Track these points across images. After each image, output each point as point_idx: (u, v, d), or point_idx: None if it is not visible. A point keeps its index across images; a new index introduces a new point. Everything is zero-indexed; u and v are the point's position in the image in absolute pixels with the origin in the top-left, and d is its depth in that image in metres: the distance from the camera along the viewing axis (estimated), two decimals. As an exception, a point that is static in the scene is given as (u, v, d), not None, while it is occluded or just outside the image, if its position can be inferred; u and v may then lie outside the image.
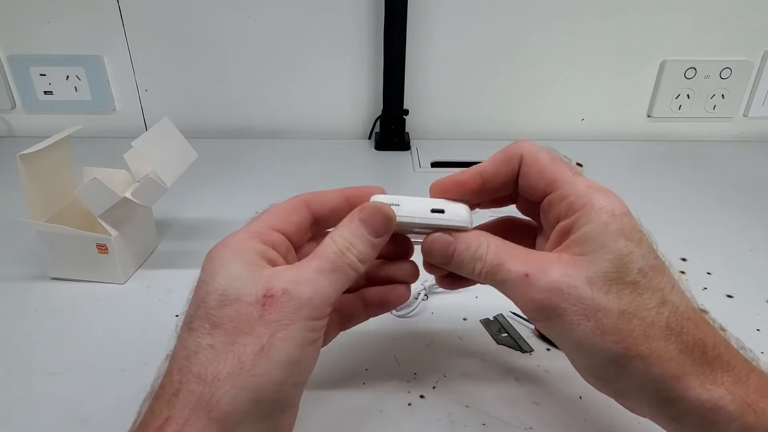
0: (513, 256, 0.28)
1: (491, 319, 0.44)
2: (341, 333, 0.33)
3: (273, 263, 0.27)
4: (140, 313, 0.45)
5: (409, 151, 0.81)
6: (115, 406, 0.35)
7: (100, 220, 0.46)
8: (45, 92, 0.81)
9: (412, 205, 0.30)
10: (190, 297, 0.27)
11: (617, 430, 0.34)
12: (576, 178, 0.28)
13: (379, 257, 0.30)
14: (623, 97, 0.84)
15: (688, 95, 0.82)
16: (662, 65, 0.81)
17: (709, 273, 0.51)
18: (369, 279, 0.34)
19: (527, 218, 0.34)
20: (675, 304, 0.25)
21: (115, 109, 0.83)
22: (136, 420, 0.26)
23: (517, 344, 0.41)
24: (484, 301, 0.46)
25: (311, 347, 0.26)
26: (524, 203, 0.33)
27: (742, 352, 0.26)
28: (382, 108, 0.81)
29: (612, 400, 0.28)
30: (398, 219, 0.29)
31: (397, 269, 0.34)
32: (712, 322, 0.27)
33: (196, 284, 0.27)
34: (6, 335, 0.42)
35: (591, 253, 0.26)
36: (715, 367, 0.25)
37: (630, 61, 0.81)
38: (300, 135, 0.85)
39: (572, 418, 0.35)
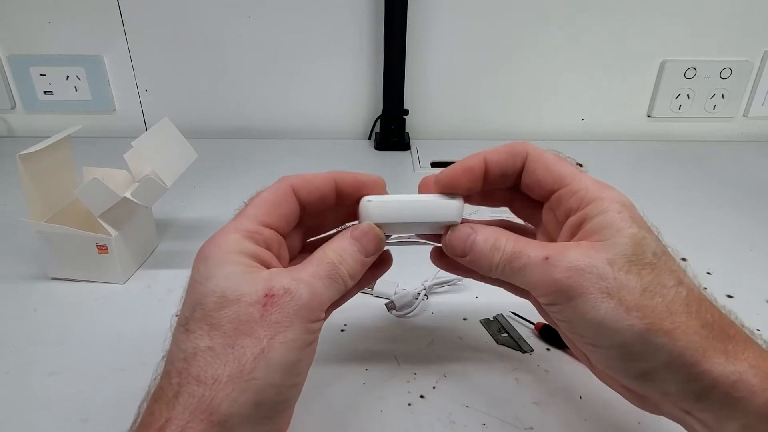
0: (530, 245, 0.28)
1: (491, 319, 0.44)
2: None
3: (267, 265, 0.28)
4: (140, 313, 0.45)
5: (409, 151, 0.81)
6: (115, 406, 0.35)
7: (100, 220, 0.46)
8: (45, 92, 0.81)
9: (405, 211, 0.31)
10: (183, 297, 0.27)
11: (617, 430, 0.34)
12: (582, 174, 0.29)
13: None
14: (623, 97, 0.84)
15: (688, 95, 0.82)
16: (662, 65, 0.81)
17: (709, 273, 0.51)
18: None
19: (522, 222, 0.34)
20: (689, 285, 0.26)
21: (115, 109, 0.83)
22: (135, 420, 0.26)
23: (517, 344, 0.41)
24: (484, 301, 0.46)
25: (308, 349, 0.27)
26: (521, 204, 0.33)
27: (752, 337, 0.27)
28: (382, 108, 0.81)
29: (612, 400, 0.28)
30: (392, 225, 0.31)
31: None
32: (722, 309, 0.27)
33: (188, 284, 0.27)
34: (6, 335, 0.42)
35: (609, 239, 0.26)
36: (736, 342, 0.25)
37: (630, 61, 0.81)
38: (300, 135, 0.85)
39: (572, 418, 0.35)
